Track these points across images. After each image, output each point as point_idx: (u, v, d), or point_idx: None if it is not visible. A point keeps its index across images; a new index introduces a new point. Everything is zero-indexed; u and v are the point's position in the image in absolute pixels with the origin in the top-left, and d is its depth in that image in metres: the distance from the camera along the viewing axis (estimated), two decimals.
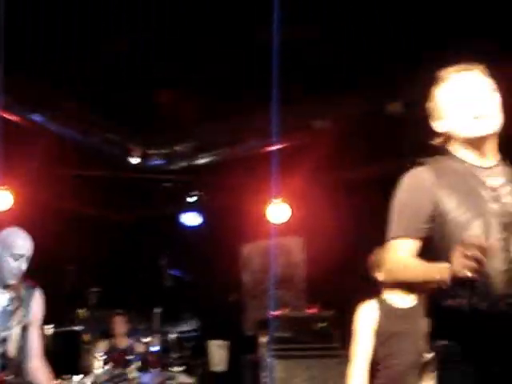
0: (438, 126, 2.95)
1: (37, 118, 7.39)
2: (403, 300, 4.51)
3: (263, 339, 6.89)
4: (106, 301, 8.57)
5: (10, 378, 4.14)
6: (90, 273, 9.09)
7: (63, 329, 7.71)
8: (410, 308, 4.47)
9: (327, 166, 8.16)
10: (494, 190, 2.78)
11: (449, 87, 2.91)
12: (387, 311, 4.50)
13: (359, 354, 4.50)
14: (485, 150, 2.86)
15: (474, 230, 2.67)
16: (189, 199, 8.97)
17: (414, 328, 4.24)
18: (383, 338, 4.43)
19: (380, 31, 6.43)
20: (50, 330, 7.01)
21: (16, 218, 7.83)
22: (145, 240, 9.36)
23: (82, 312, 7.79)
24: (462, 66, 2.94)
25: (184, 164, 8.34)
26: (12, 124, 7.18)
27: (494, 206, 2.74)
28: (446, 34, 6.21)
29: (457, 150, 2.89)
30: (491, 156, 2.88)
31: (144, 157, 8.31)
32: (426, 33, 6.32)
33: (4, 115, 7.08)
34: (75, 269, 8.90)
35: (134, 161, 8.29)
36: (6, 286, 4.33)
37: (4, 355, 4.18)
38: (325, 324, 6.97)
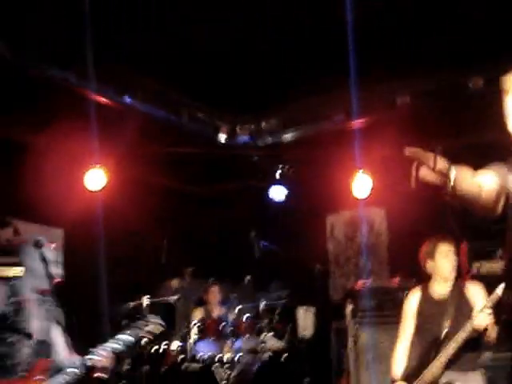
0: None
1: (127, 99, 7.73)
2: (440, 289, 5.29)
3: (349, 307, 7.17)
4: (200, 271, 8.90)
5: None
6: (185, 245, 9.45)
7: (159, 299, 7.99)
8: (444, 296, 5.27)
9: (407, 139, 8.27)
10: None
11: None
12: (427, 298, 5.33)
13: (404, 332, 5.42)
14: None
15: None
16: (276, 174, 9.21)
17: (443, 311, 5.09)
18: (421, 318, 5.29)
19: (462, 10, 6.50)
20: (146, 300, 7.28)
21: (110, 196, 8.33)
22: (235, 214, 9.61)
23: (176, 282, 8.06)
24: None
25: (270, 140, 8.67)
26: (104, 107, 7.56)
27: None
28: None
29: None
30: None
31: (231, 134, 8.68)
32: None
33: (96, 99, 7.50)
34: (170, 242, 9.22)
35: (222, 138, 8.66)
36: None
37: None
38: (407, 293, 7.21)
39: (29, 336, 4.49)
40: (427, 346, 5.10)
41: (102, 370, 4.65)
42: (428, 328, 5.17)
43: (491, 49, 6.82)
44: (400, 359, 5.30)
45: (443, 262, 5.27)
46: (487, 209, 2.99)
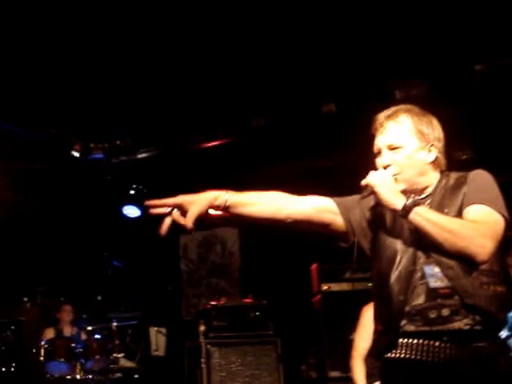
0: None
1: None
2: None
3: (202, 327, 7.23)
4: (52, 290, 8.74)
5: None
6: (35, 264, 9.24)
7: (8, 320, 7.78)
8: None
9: (263, 161, 8.46)
10: None
11: None
12: None
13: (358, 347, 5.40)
14: None
15: None
16: (129, 192, 9.18)
17: None
18: None
19: None
20: None
21: None
22: (88, 232, 9.52)
23: (27, 302, 7.93)
24: None
25: (124, 158, 8.65)
26: None
27: None
28: None
29: None
30: None
31: (85, 150, 8.60)
32: None
33: None
34: (17, 260, 9.02)
35: (76, 154, 8.56)
36: None
37: None
38: (259, 313, 7.37)
39: None
40: None
41: None
42: None
43: (346, 75, 7.16)
44: None
45: None
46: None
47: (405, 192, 2.90)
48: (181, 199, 2.88)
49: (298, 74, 7.25)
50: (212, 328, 7.25)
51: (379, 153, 3.03)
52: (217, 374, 6.97)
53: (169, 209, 2.90)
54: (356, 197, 3.04)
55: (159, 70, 7.21)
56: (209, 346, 7.10)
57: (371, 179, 2.89)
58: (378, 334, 3.02)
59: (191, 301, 9.58)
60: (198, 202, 2.87)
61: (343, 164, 7.54)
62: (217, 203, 2.90)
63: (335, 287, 7.28)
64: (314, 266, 7.47)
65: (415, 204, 2.82)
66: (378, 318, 3.03)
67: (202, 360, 7.05)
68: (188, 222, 2.85)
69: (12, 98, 7.45)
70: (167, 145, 8.49)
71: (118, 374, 8.04)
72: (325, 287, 7.27)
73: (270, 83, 7.39)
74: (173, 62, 7.09)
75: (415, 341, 2.82)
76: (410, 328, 2.83)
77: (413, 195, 2.89)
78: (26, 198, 9.10)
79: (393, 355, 2.87)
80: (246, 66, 7.10)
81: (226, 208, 2.93)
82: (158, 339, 8.96)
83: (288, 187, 3.13)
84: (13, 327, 7.71)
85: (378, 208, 3.01)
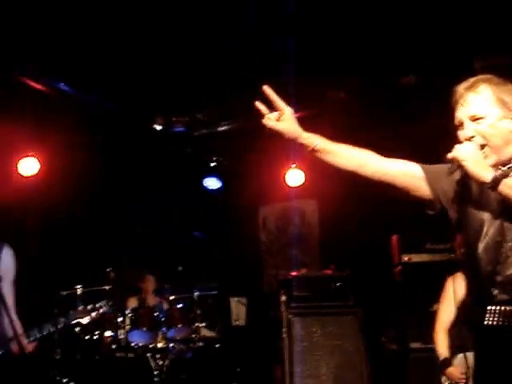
0: None
1: (62, 86, 7.69)
2: None
3: (283, 297, 7.29)
4: (135, 260, 8.91)
5: None
6: (121, 234, 9.46)
7: (92, 288, 7.94)
8: None
9: (340, 133, 8.43)
10: None
11: None
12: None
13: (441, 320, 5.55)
14: None
15: None
16: (211, 164, 9.26)
17: None
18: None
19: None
20: (79, 289, 7.07)
21: (44, 184, 8.27)
22: (170, 203, 9.62)
23: (111, 271, 8.05)
24: None
25: (205, 131, 8.73)
26: (38, 93, 7.52)
27: None
28: None
29: None
30: None
31: (167, 124, 8.71)
32: None
33: (31, 85, 7.44)
34: (105, 231, 9.22)
35: (158, 127, 8.68)
36: None
37: None
38: (340, 284, 7.39)
39: None
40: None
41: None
42: None
43: (425, 48, 7.04)
44: None
45: None
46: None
47: (493, 164, 2.89)
48: (285, 110, 3.11)
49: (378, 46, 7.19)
50: (293, 298, 7.31)
51: (461, 125, 3.01)
52: (298, 344, 7.03)
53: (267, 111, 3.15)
54: (444, 167, 3.03)
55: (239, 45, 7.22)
56: (290, 316, 7.16)
57: (458, 153, 2.88)
58: (471, 305, 3.02)
59: (271, 271, 9.65)
60: (291, 127, 3.08)
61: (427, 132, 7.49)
62: (305, 142, 3.02)
63: (416, 258, 7.21)
64: (394, 237, 7.43)
65: (504, 175, 2.80)
66: (469, 288, 3.04)
67: (284, 330, 7.12)
68: (269, 125, 3.10)
69: (95, 72, 7.56)
70: (247, 117, 8.51)
71: (199, 344, 8.15)
72: (405, 258, 7.22)
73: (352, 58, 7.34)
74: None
75: (509, 308, 2.82)
76: (503, 297, 2.83)
77: (500, 166, 2.88)
78: (108, 171, 9.24)
79: (487, 323, 2.87)
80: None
81: (312, 150, 3.05)
82: (238, 309, 9.06)
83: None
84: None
85: (465, 179, 3.00)
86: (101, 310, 5.81)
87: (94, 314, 5.72)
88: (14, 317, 4.59)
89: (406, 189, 3.12)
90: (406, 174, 3.11)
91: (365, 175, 3.11)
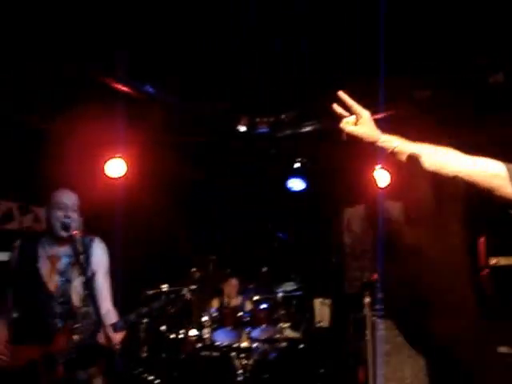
0: None
1: (149, 89, 7.78)
2: None
3: (367, 299, 7.23)
4: (219, 261, 8.96)
5: (76, 325, 4.45)
6: (205, 236, 9.54)
7: (177, 288, 8.01)
8: None
9: (427, 134, 8.30)
10: None
11: None
12: None
13: None
14: None
15: None
16: (295, 165, 9.24)
17: None
18: None
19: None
20: (164, 288, 7.19)
21: (130, 185, 8.39)
22: (253, 204, 9.66)
23: (196, 271, 8.12)
24: None
25: (289, 132, 8.71)
26: (126, 96, 7.59)
27: None
28: None
29: None
30: None
31: (251, 125, 8.73)
32: None
33: (118, 87, 7.56)
34: (190, 232, 9.30)
35: (242, 128, 8.71)
36: (61, 240, 4.64)
37: (70, 305, 4.50)
38: None
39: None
40: None
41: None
42: None
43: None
44: None
45: None
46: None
47: None
48: (362, 114, 3.20)
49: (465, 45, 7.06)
50: (377, 300, 7.24)
51: None
52: (382, 346, 6.96)
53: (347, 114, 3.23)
54: None
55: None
56: (374, 318, 7.10)
57: None
58: None
59: (354, 274, 9.57)
60: (369, 131, 3.02)
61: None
62: (383, 145, 2.99)
63: (503, 261, 7.05)
64: (481, 239, 7.28)
65: None
66: None
67: (367, 332, 7.06)
68: (347, 129, 3.20)
69: (179, 74, 7.64)
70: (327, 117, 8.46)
71: (283, 344, 8.16)
72: (493, 261, 7.06)
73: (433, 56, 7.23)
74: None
75: None
76: None
77: None
78: (193, 170, 9.31)
79: None
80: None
81: (392, 153, 3.00)
82: (322, 310, 9.03)
83: None
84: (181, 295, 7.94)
85: None
86: (184, 297, 5.87)
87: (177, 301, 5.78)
88: (111, 307, 4.70)
89: (489, 188, 3.04)
90: (489, 173, 3.03)
91: (447, 175, 3.05)
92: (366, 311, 7.16)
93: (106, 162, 8.32)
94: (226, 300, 8.72)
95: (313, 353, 8.40)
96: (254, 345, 8.01)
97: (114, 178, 8.34)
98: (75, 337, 4.40)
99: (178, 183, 9.01)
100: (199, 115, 8.47)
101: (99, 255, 4.78)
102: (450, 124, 7.79)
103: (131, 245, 8.69)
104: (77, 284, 4.58)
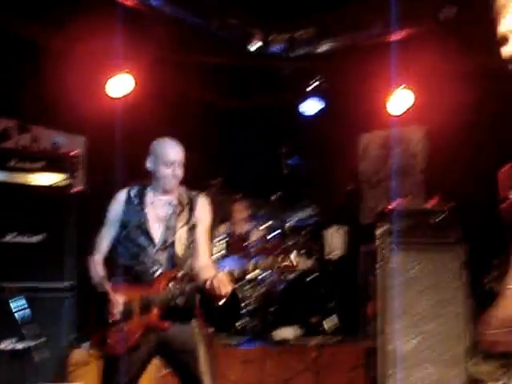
0: None
1: (154, 1, 7.36)
2: None
3: (379, 230, 6.85)
4: (228, 185, 8.66)
5: (180, 273, 4.42)
6: (212, 159, 9.22)
7: None
8: None
9: (451, 54, 7.83)
10: None
11: None
12: None
13: None
14: None
15: None
16: (309, 87, 8.79)
17: None
18: None
19: None
20: None
21: (135, 104, 8.03)
22: (265, 128, 9.32)
23: None
24: None
25: (304, 51, 8.24)
26: (130, 8, 7.24)
27: None
28: None
29: None
30: None
31: (264, 43, 8.25)
32: None
33: (122, 1, 7.14)
34: (197, 156, 8.99)
35: (254, 46, 8.23)
36: (166, 192, 4.62)
37: (173, 255, 4.46)
38: (441, 218, 6.85)
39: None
40: None
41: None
42: None
43: None
44: None
45: None
46: None
47: None
48: None
49: None
50: (390, 231, 6.84)
51: (505, 40, 2.47)
52: (393, 280, 6.60)
53: None
54: None
55: None
56: (386, 250, 6.73)
57: None
58: None
59: (369, 203, 9.19)
60: None
61: None
62: None
63: None
64: (502, 170, 6.80)
65: None
66: None
67: (378, 265, 6.71)
68: None
69: None
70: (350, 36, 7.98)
71: (292, 275, 7.86)
72: None
73: None
74: None
75: None
76: None
77: None
78: (203, 91, 8.96)
79: None
80: None
81: None
82: (334, 240, 8.69)
83: None
84: None
85: None
86: None
87: None
88: (209, 262, 4.67)
89: None
90: None
91: None
92: (378, 243, 6.78)
93: (109, 79, 7.91)
94: (234, 225, 8.39)
95: (323, 284, 8.11)
96: (263, 274, 7.70)
97: (118, 98, 7.95)
98: (174, 284, 4.39)
99: (185, 105, 8.64)
100: (209, 31, 8.02)
101: (202, 210, 4.68)
102: (474, 45, 7.32)
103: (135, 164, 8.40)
104: (181, 233, 4.57)
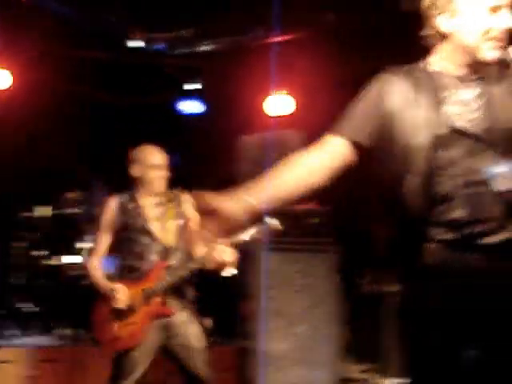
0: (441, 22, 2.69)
1: None
2: None
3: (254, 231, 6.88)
4: (109, 185, 8.55)
5: (173, 262, 4.95)
6: (89, 157, 9.09)
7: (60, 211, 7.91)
8: None
9: (333, 59, 7.96)
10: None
11: None
12: None
13: None
14: None
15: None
16: (188, 86, 8.77)
17: None
18: None
19: None
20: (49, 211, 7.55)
21: (13, 99, 7.84)
22: (142, 126, 9.23)
23: (75, 194, 7.85)
24: None
25: (186, 50, 8.21)
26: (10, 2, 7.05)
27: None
28: None
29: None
30: None
31: (144, 40, 8.18)
32: None
33: None
34: (69, 151, 8.86)
35: (134, 43, 8.15)
36: (156, 193, 5.15)
37: (169, 248, 4.97)
38: (316, 220, 6.99)
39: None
40: None
41: None
42: None
43: None
44: None
45: None
46: None
47: None
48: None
49: None
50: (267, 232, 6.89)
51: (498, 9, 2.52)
52: (267, 280, 6.68)
53: None
54: None
55: None
56: (258, 251, 6.79)
57: None
58: None
59: None
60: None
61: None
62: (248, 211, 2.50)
63: None
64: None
65: None
66: None
67: (253, 266, 6.77)
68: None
69: None
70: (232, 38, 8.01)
71: None
72: None
73: None
74: None
75: None
76: None
77: None
78: (81, 86, 8.79)
79: None
80: None
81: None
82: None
83: None
84: None
85: None
86: None
87: None
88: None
89: None
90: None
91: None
92: (253, 244, 6.81)
93: None
94: None
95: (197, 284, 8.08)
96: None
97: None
98: (170, 270, 4.85)
99: (61, 98, 8.45)
100: (90, 27, 7.90)
101: (188, 206, 5.15)
102: (352, 51, 7.48)
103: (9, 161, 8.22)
104: (174, 227, 5.03)
